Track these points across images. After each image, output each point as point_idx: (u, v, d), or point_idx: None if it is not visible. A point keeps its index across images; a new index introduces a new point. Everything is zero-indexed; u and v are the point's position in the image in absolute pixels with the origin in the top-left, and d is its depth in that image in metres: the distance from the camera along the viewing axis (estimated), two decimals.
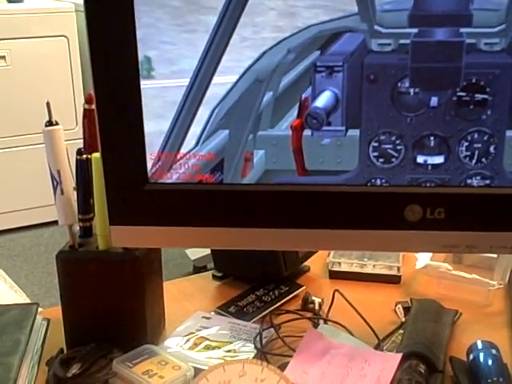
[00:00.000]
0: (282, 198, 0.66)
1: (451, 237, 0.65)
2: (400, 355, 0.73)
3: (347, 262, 1.00)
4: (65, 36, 3.21)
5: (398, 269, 0.97)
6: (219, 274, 0.99)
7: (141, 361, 0.74)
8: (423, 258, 0.93)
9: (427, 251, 0.69)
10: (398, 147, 0.64)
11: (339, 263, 1.00)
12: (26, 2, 3.16)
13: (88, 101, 0.75)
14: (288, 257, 0.93)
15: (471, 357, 0.74)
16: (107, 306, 0.76)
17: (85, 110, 0.75)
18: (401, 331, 0.83)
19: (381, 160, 0.65)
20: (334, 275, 0.99)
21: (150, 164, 0.66)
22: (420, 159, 0.64)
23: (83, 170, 0.75)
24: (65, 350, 0.79)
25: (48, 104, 0.73)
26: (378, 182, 0.65)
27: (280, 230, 0.67)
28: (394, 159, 0.64)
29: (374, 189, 0.65)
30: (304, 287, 0.94)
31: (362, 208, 0.66)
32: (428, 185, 0.65)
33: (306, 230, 0.67)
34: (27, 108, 3.01)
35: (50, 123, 0.73)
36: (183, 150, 0.66)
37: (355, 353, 0.75)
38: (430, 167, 0.64)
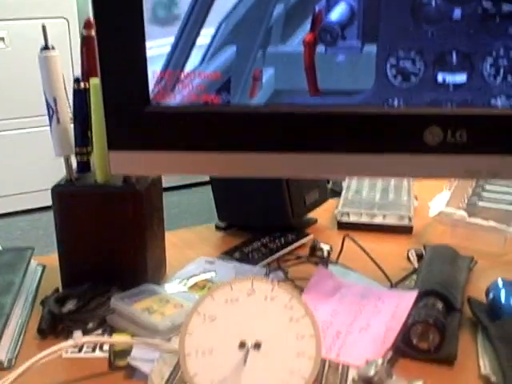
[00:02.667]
0: (293, 121, 0.62)
1: (473, 161, 0.61)
2: (416, 292, 0.69)
3: (356, 213, 0.96)
4: (65, 18, 3.16)
5: (410, 219, 0.93)
6: (222, 225, 0.95)
7: (141, 298, 0.70)
8: (437, 206, 0.89)
9: (448, 177, 0.65)
10: (418, 64, 0.60)
11: (348, 214, 0.96)
12: None
13: (87, 26, 0.70)
14: (295, 204, 0.89)
15: (491, 295, 0.70)
16: (106, 243, 0.72)
17: (83, 37, 0.71)
18: (414, 276, 0.79)
19: (399, 78, 0.60)
20: (343, 226, 0.94)
21: (151, 85, 0.62)
22: (441, 77, 0.60)
23: (81, 100, 0.71)
24: (61, 290, 0.75)
25: (44, 28, 0.69)
26: (396, 102, 0.61)
27: (290, 154, 0.63)
28: (412, 77, 0.60)
29: (391, 110, 0.61)
30: (311, 235, 0.90)
31: (378, 131, 0.61)
32: (449, 105, 0.61)
33: (318, 155, 0.62)
34: (26, 90, 2.96)
35: (45, 47, 0.68)
36: (187, 69, 0.62)
37: (368, 291, 0.71)
38: (451, 86, 0.60)
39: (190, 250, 0.89)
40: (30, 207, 3.15)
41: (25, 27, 3.02)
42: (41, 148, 2.87)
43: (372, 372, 0.58)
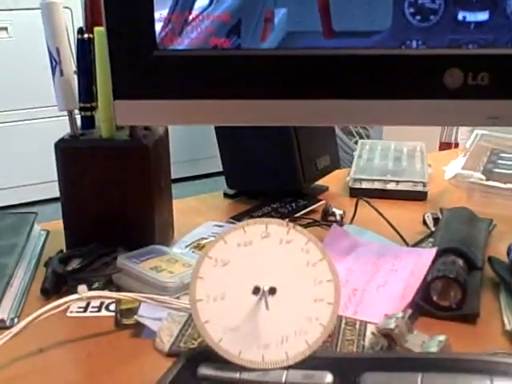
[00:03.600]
0: (307, 64, 0.59)
1: (496, 106, 0.59)
2: (435, 249, 0.66)
3: (368, 180, 0.93)
4: (68, 8, 3.13)
5: (424, 184, 0.91)
6: (231, 192, 0.92)
7: (148, 258, 0.67)
8: (453, 169, 0.86)
9: (469, 124, 0.62)
10: (437, 1, 0.57)
11: (360, 181, 0.93)
12: None
13: None
14: (306, 168, 0.86)
15: None
16: (111, 202, 0.70)
17: None
18: (431, 240, 0.76)
19: (417, 17, 0.58)
20: (355, 193, 0.91)
21: (158, 28, 0.59)
22: (461, 16, 0.57)
23: (85, 51, 0.68)
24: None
25: None
26: (414, 43, 0.58)
27: (305, 101, 0.60)
28: (432, 16, 0.57)
29: (409, 51, 0.58)
30: (323, 201, 0.87)
31: (395, 74, 0.59)
32: (470, 46, 0.58)
33: (333, 101, 0.60)
34: (31, 81, 2.94)
35: None
36: (196, 11, 0.59)
37: (384, 249, 0.68)
38: (472, 25, 0.57)
39: (198, 216, 0.86)
40: (33, 199, 3.13)
41: (28, 17, 2.99)
42: (45, 139, 2.85)
43: (392, 325, 0.55)
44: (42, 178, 2.97)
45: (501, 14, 0.57)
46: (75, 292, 0.64)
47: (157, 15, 0.59)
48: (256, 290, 0.50)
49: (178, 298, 0.63)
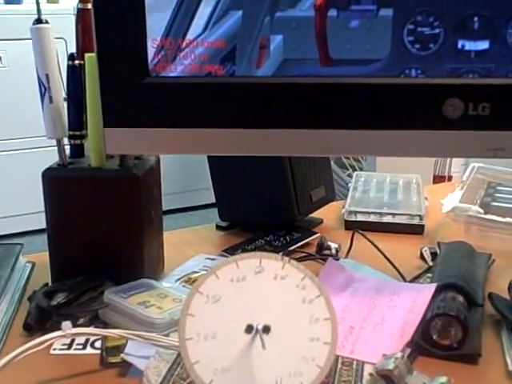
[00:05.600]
0: (303, 93, 0.57)
1: (497, 137, 0.57)
2: (434, 285, 0.64)
3: (364, 212, 0.91)
4: (63, 38, 3.14)
5: (421, 217, 0.89)
6: (224, 224, 0.89)
7: (137, 293, 0.65)
8: (450, 202, 0.84)
9: (469, 155, 0.60)
10: (437, 30, 0.56)
11: (355, 213, 0.91)
12: (24, 4, 3.11)
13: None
14: (301, 200, 0.84)
15: None
16: (99, 234, 0.67)
17: (78, 10, 0.67)
18: (429, 275, 0.74)
19: (417, 46, 0.56)
20: (350, 225, 0.89)
21: (151, 54, 0.58)
22: (461, 44, 0.56)
23: (75, 77, 0.67)
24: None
25: (37, 0, 0.65)
26: (413, 72, 0.57)
27: (300, 130, 0.58)
28: (431, 45, 0.56)
29: (408, 80, 0.57)
30: (318, 234, 0.85)
31: (394, 103, 0.57)
32: (470, 76, 0.56)
33: (330, 131, 0.58)
34: (24, 111, 2.93)
35: (38, 21, 0.64)
36: (190, 36, 0.57)
37: (382, 285, 0.66)
38: (472, 54, 0.56)
39: (190, 248, 0.83)
40: (22, 230, 3.10)
41: (23, 47, 2.99)
42: (37, 169, 2.82)
43: (391, 365, 0.52)
44: (32, 209, 2.94)
45: (501, 43, 0.55)
46: (60, 328, 0.61)
47: (149, 41, 0.57)
48: (249, 329, 0.47)
49: (167, 334, 0.60)
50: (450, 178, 2.43)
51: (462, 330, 0.59)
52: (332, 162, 2.71)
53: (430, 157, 0.54)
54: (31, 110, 2.74)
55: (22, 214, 3.07)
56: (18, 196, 3.05)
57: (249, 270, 0.47)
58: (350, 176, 2.29)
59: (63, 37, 3.11)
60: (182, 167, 3.14)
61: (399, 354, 0.54)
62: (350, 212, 0.90)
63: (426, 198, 0.96)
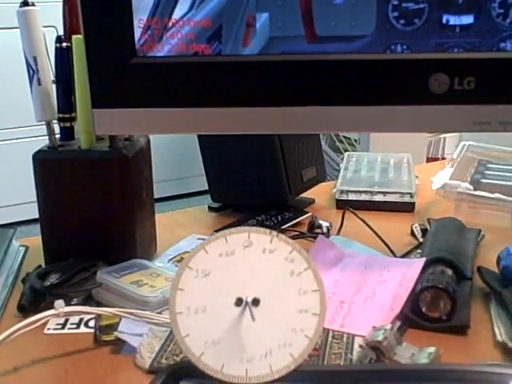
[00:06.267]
0: (289, 70, 0.58)
1: (483, 111, 0.57)
2: (423, 259, 0.64)
3: (355, 191, 0.91)
4: (53, 26, 3.12)
5: (411, 195, 0.89)
6: (216, 206, 0.90)
7: (129, 272, 0.65)
8: (440, 179, 0.85)
9: (455, 130, 0.61)
10: (422, 5, 0.56)
11: (346, 192, 0.91)
12: None
13: None
14: (292, 179, 0.85)
15: (503, 263, 0.66)
16: (92, 215, 0.68)
17: None
18: (419, 250, 0.75)
19: (401, 21, 0.56)
20: (342, 205, 0.90)
21: (138, 34, 0.58)
22: (446, 19, 0.56)
23: (63, 60, 0.67)
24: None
25: None
26: (399, 48, 0.57)
27: (287, 108, 0.58)
28: (416, 20, 0.56)
29: (393, 56, 0.57)
30: (310, 213, 0.86)
31: (380, 79, 0.57)
32: (456, 50, 0.57)
33: (317, 108, 0.58)
34: (14, 101, 2.92)
35: (25, 3, 0.64)
36: (176, 16, 0.57)
37: (371, 260, 0.66)
38: (457, 29, 0.56)
39: (182, 229, 0.84)
40: (19, 219, 3.10)
41: (12, 36, 2.97)
42: (29, 159, 2.82)
43: (381, 337, 0.53)
44: (25, 198, 2.93)
45: (486, 18, 0.56)
46: (53, 308, 0.62)
47: (136, 21, 0.57)
48: (239, 302, 0.48)
49: (159, 313, 0.61)
50: (443, 160, 2.43)
51: (450, 302, 0.60)
52: (326, 146, 2.72)
53: (417, 132, 0.55)
54: (22, 99, 2.73)
55: (15, 203, 3.07)
56: (11, 186, 3.04)
57: (237, 245, 0.48)
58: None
59: (54, 25, 3.11)
60: (176, 154, 3.14)
61: (388, 326, 0.54)
62: (342, 191, 0.91)
63: (417, 177, 0.97)
